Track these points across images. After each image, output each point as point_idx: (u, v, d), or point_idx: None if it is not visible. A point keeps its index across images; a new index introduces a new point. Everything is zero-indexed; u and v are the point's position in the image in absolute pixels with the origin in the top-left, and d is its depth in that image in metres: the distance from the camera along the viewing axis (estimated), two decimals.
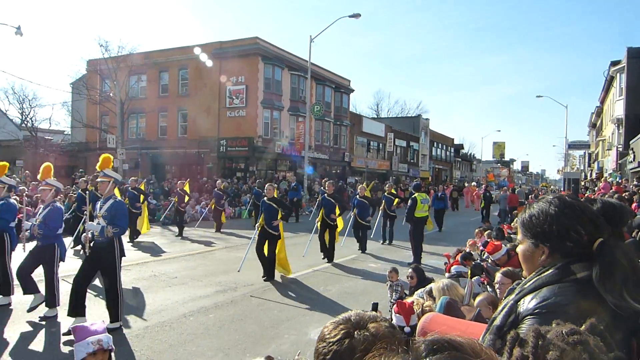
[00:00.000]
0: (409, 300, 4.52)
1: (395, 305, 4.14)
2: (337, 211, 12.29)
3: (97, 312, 7.00)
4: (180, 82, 34.83)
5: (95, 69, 33.35)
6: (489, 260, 6.77)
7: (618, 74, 30.88)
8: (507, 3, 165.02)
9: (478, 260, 7.31)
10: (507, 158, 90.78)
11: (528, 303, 1.58)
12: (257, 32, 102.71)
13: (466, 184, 47.36)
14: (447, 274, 6.64)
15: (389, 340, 1.22)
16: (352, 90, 44.66)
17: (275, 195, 10.60)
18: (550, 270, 1.64)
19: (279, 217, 9.99)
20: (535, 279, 1.66)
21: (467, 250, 8.42)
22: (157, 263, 11.60)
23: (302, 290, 9.33)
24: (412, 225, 12.05)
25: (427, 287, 4.74)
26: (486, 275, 6.03)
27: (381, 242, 15.66)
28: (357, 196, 14.20)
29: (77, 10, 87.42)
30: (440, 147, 68.25)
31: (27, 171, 17.35)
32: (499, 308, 1.72)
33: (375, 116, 68.31)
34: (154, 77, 35.11)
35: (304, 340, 6.39)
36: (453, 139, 74.92)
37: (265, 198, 10.39)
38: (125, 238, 13.38)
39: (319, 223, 12.38)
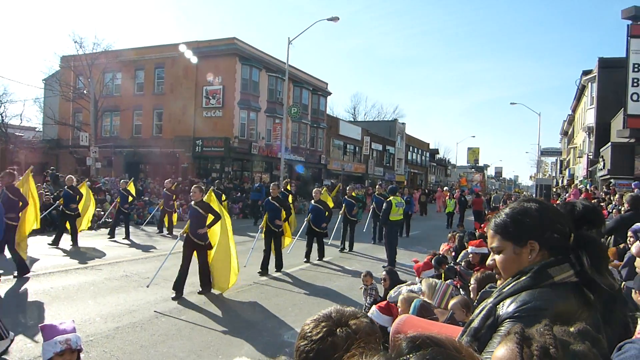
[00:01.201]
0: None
1: (381, 306, 4.15)
2: (283, 216, 11.21)
3: None
4: (156, 81, 34.46)
5: (69, 66, 32.82)
6: (462, 264, 6.87)
7: (589, 83, 31.53)
8: (484, 11, 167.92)
9: (451, 264, 7.38)
10: (481, 163, 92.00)
11: (507, 307, 1.59)
12: (235, 33, 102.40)
13: (439, 188, 47.81)
14: (417, 279, 6.68)
15: (369, 338, 1.22)
16: (330, 93, 44.77)
17: (211, 200, 9.00)
18: (528, 275, 1.65)
19: (206, 224, 8.69)
20: (514, 283, 1.67)
21: (441, 254, 8.49)
22: (130, 263, 11.40)
23: (273, 293, 9.29)
24: (387, 228, 12.09)
25: (402, 289, 4.76)
26: (459, 279, 6.10)
27: (340, 248, 14.50)
28: (312, 201, 12.86)
29: (51, 4, 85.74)
30: (416, 151, 68.89)
31: None
32: (477, 310, 1.73)
33: (352, 119, 68.45)
34: (130, 75, 34.64)
35: (278, 342, 6.36)
36: (429, 144, 75.71)
37: (192, 202, 9.02)
38: (66, 243, 12.97)
39: (264, 230, 11.01)
